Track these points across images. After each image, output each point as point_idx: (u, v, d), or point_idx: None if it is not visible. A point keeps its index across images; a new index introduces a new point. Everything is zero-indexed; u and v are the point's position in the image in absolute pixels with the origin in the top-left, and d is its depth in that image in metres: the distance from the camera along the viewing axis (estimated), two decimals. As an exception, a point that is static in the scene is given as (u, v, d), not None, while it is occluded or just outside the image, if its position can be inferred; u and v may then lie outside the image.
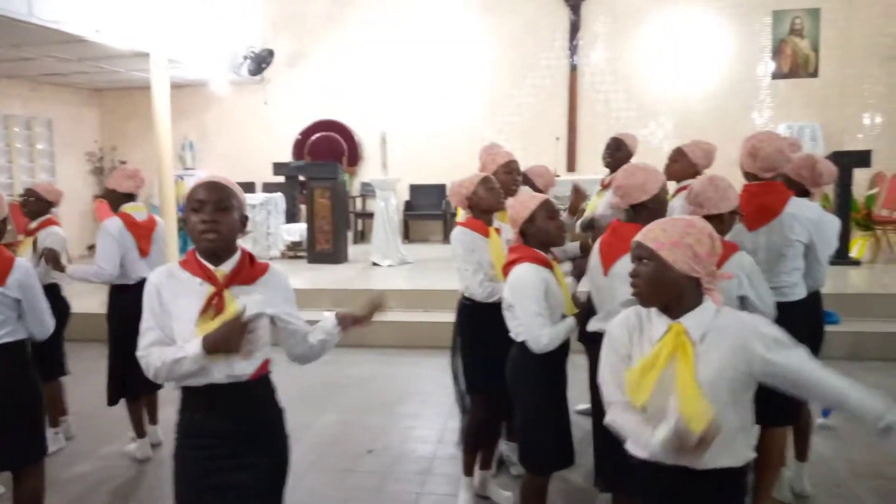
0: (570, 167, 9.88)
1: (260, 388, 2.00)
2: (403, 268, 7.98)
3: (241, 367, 1.91)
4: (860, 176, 8.38)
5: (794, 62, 9.33)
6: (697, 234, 1.73)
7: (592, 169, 9.58)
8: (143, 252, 3.75)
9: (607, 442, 2.11)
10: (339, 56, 10.37)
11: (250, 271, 1.95)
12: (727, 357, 1.70)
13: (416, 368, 5.46)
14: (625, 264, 2.41)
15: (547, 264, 2.62)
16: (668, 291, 1.74)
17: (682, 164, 3.71)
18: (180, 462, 1.97)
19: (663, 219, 1.84)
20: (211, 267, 1.91)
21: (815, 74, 9.30)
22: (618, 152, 4.06)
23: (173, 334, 1.90)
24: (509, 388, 2.70)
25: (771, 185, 2.86)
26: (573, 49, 9.81)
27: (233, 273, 1.92)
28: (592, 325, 2.57)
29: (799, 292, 2.88)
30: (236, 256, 1.95)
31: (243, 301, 1.88)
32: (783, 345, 1.71)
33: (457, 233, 3.14)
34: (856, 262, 7.32)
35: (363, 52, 10.29)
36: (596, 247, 2.70)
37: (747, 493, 1.91)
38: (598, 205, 3.94)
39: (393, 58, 10.23)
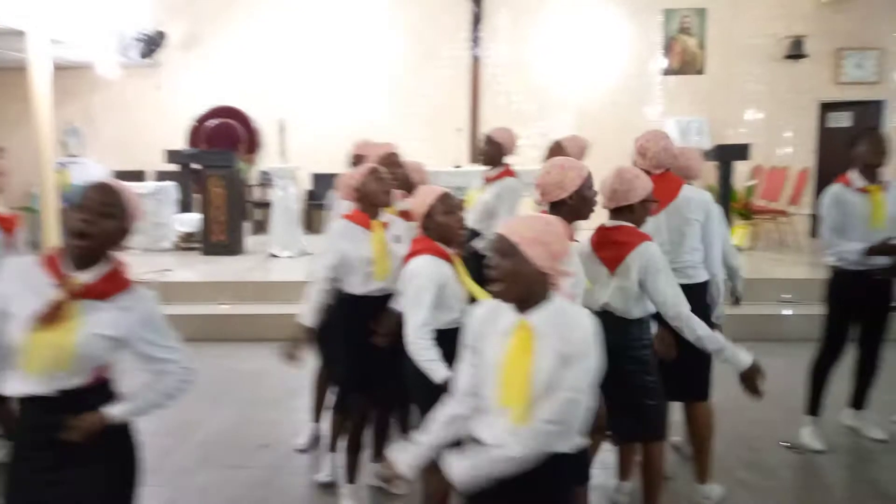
0: (474, 159, 9.98)
1: (93, 396, 1.88)
2: (304, 259, 7.83)
3: (63, 381, 1.81)
4: (740, 168, 8.92)
5: (684, 59, 9.78)
6: (555, 233, 1.81)
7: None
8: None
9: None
10: (237, 40, 10.03)
11: (108, 287, 1.84)
12: (556, 356, 1.77)
13: (311, 362, 5.36)
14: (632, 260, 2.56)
15: (447, 258, 2.61)
16: (526, 287, 1.79)
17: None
18: (6, 476, 1.88)
19: (525, 215, 1.92)
20: (70, 272, 1.81)
21: (702, 71, 9.78)
22: (488, 148, 4.20)
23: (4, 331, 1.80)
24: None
25: (664, 176, 3.08)
26: (475, 41, 9.90)
27: (91, 285, 1.82)
28: None
29: (701, 275, 3.09)
30: (103, 269, 1.85)
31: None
32: (573, 360, 1.75)
33: (336, 224, 3.08)
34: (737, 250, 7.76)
35: (262, 37, 10.00)
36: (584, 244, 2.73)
37: (587, 479, 2.00)
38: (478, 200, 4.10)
39: (293, 44, 9.99)
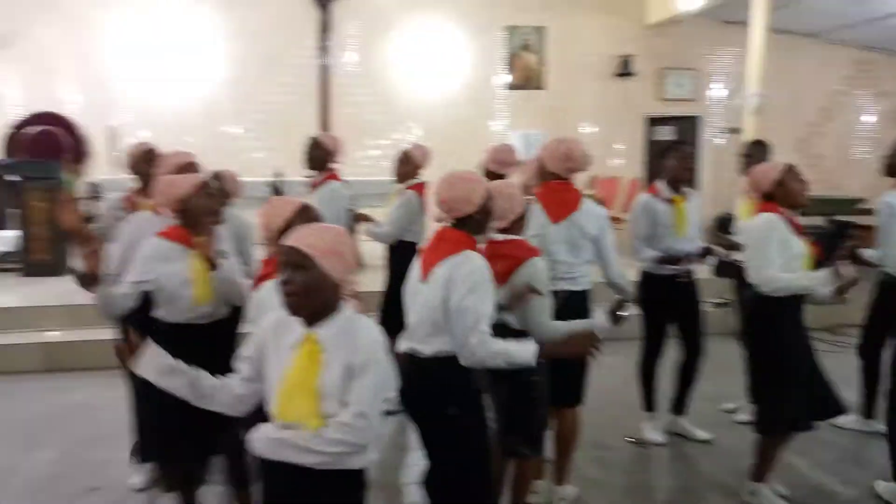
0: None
1: None
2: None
3: None
4: (579, 178, 9.43)
5: (526, 75, 10.20)
6: (348, 244, 1.81)
7: (352, 171, 9.61)
8: None
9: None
10: (60, 41, 9.18)
11: None
12: (343, 367, 1.75)
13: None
14: (443, 269, 2.33)
15: None
16: (322, 300, 1.77)
17: (409, 167, 4.09)
18: None
19: (315, 224, 1.91)
20: None
21: (542, 87, 10.25)
22: (315, 151, 4.22)
23: None
24: None
25: (568, 184, 3.13)
26: (324, 49, 9.74)
27: None
28: (406, 341, 2.46)
29: (586, 283, 3.18)
30: None
31: None
32: (360, 371, 1.75)
33: (148, 243, 2.69)
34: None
35: (88, 38, 9.23)
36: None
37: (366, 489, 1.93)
38: None
39: (123, 46, 9.31)
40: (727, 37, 10.33)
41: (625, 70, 10.18)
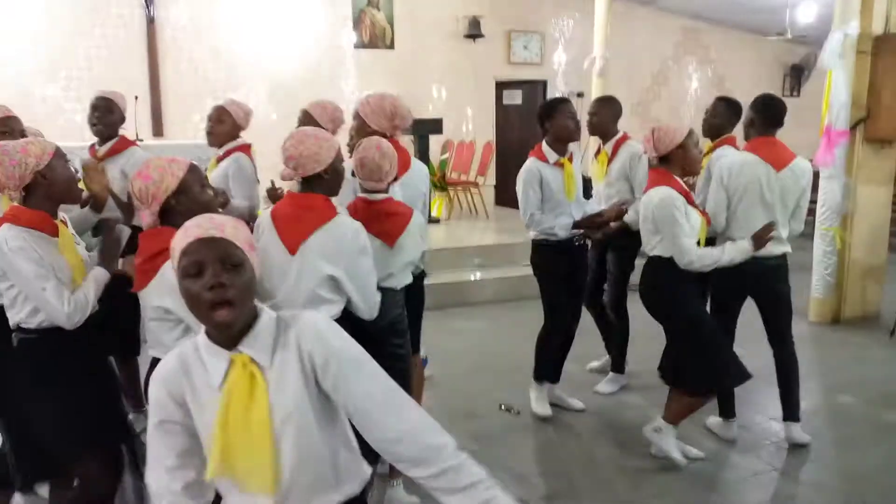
0: (157, 131, 8.93)
1: None
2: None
3: None
4: (434, 142, 9.31)
5: (374, 33, 9.83)
6: (248, 231, 1.40)
7: (183, 133, 8.83)
8: None
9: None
10: None
11: None
12: (301, 379, 1.36)
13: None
14: (320, 241, 2.25)
15: None
16: (249, 307, 1.36)
17: (228, 126, 3.54)
18: None
19: (213, 215, 1.41)
20: None
21: (392, 46, 9.94)
22: (109, 115, 3.52)
23: None
24: None
25: (398, 143, 2.89)
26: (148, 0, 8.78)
27: None
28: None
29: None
30: None
31: None
32: (353, 364, 1.38)
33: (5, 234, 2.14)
34: (436, 221, 8.10)
35: None
36: (265, 221, 2.37)
37: None
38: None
39: None
40: (570, 2, 10.56)
41: (474, 31, 10.11)
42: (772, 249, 3.26)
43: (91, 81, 8.53)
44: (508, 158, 10.83)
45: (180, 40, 9.00)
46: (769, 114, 3.38)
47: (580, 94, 9.81)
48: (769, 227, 3.13)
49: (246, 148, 3.55)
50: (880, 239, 5.53)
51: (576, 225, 3.56)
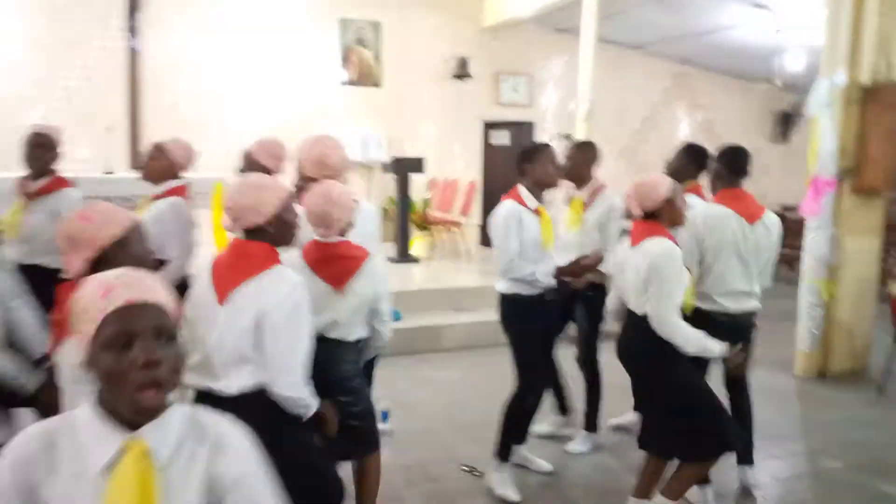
0: (135, 164, 8.75)
1: None
2: None
3: None
4: (418, 181, 9.18)
5: (361, 71, 9.76)
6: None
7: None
8: None
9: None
10: None
11: None
12: (201, 491, 1.16)
13: None
14: (250, 291, 2.04)
15: None
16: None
17: (163, 163, 3.34)
18: None
19: (141, 272, 1.19)
20: None
21: (379, 84, 9.86)
22: (43, 151, 3.33)
23: None
24: None
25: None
26: (133, 30, 8.68)
27: None
28: (193, 379, 2.08)
29: None
30: None
31: None
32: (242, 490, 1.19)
33: None
34: (415, 260, 7.90)
35: None
36: (205, 266, 2.19)
37: None
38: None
39: None
40: (559, 45, 10.55)
41: (462, 71, 10.05)
42: (745, 306, 3.15)
43: (73, 112, 8.41)
44: (495, 198, 10.66)
45: (162, 73, 8.88)
46: (735, 164, 3.32)
47: (567, 137, 9.71)
48: (742, 353, 2.88)
49: (181, 190, 3.31)
50: (867, 291, 5.35)
51: (559, 272, 3.26)
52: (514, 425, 3.38)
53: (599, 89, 10.88)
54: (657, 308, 2.68)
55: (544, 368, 3.52)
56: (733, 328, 3.10)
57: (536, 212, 3.25)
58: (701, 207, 3.33)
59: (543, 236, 3.26)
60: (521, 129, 10.88)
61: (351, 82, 9.72)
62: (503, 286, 3.32)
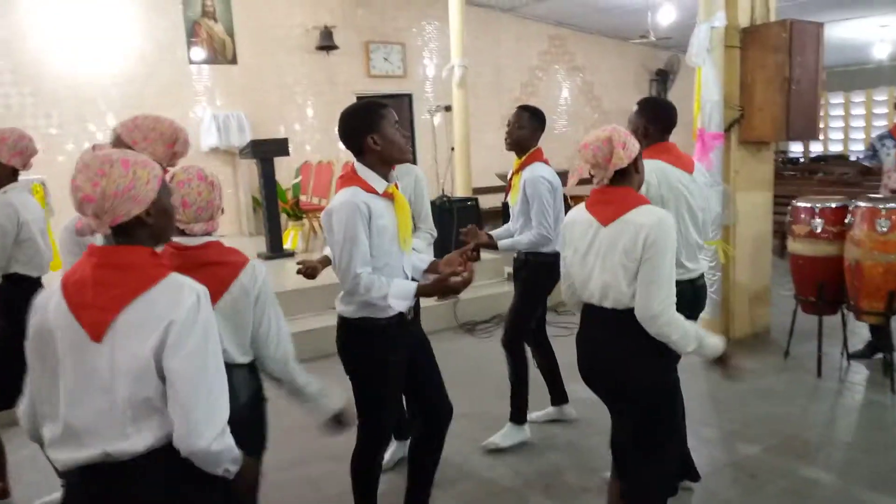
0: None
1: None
2: None
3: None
4: (289, 165, 8.35)
5: (212, 47, 8.74)
6: None
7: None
8: None
9: None
10: None
11: None
12: None
13: None
14: (139, 314, 1.49)
15: None
16: None
17: None
18: None
19: None
20: None
21: (234, 61, 8.88)
22: None
23: None
24: None
25: None
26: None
27: None
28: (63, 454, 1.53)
29: None
30: None
31: None
32: None
33: None
34: (291, 254, 7.12)
35: None
36: (52, 298, 1.55)
37: None
38: None
39: None
40: (431, 9, 9.93)
41: (327, 42, 9.22)
42: (701, 266, 2.86)
43: None
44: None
45: (-30, 57, 7.56)
46: (664, 117, 2.93)
47: (448, 108, 9.12)
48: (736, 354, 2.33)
49: None
50: (764, 249, 5.08)
51: (422, 292, 2.42)
52: (363, 487, 2.59)
53: (474, 55, 10.34)
54: (653, 297, 2.09)
55: (394, 414, 2.70)
56: (695, 297, 2.75)
57: (388, 195, 2.42)
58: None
59: (400, 231, 2.44)
60: (399, 102, 10.22)
61: (200, 59, 8.68)
62: (347, 308, 2.45)
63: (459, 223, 6.66)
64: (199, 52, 8.65)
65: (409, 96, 10.23)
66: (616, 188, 2.21)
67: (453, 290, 2.46)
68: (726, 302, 4.93)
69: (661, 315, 2.08)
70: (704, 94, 4.60)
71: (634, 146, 2.23)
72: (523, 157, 3.34)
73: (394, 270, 2.42)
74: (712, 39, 4.56)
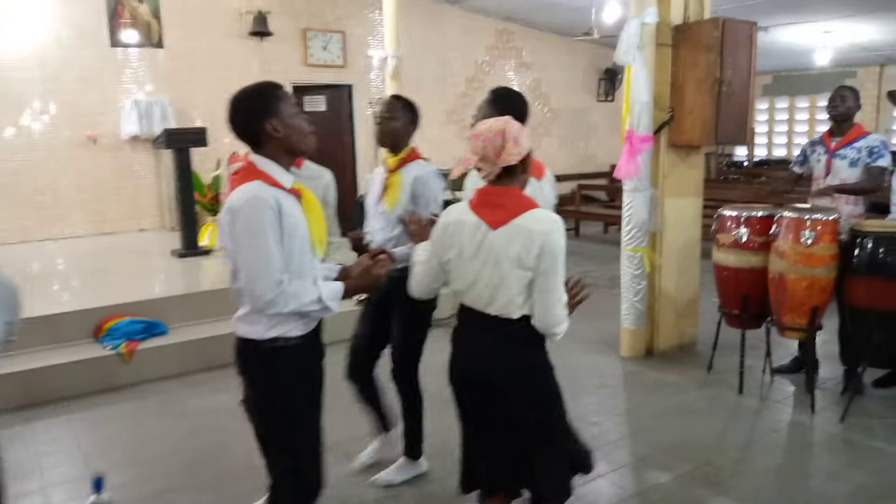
0: None
1: None
2: None
3: None
4: (208, 157, 7.91)
5: (137, 29, 8.22)
6: None
7: None
8: None
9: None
10: None
11: None
12: None
13: None
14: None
15: None
16: None
17: None
18: None
19: None
20: None
21: (161, 45, 8.38)
22: None
23: None
24: None
25: None
26: None
27: None
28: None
29: None
30: None
31: None
32: None
33: None
34: (207, 252, 6.71)
35: None
36: None
37: None
38: None
39: None
40: (371, -2, 9.56)
41: (261, 28, 8.78)
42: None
43: None
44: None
45: None
46: (519, 110, 2.62)
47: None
48: None
49: None
50: (692, 257, 4.89)
51: (350, 289, 2.15)
52: None
53: (420, 47, 10.05)
54: (554, 306, 2.04)
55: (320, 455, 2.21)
56: None
57: (294, 193, 2.07)
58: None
59: (312, 231, 2.09)
60: (339, 92, 9.83)
61: (124, 43, 8.16)
62: (254, 328, 2.04)
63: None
64: (121, 35, 8.13)
65: (350, 87, 9.85)
66: (504, 189, 2.06)
67: (377, 277, 2.21)
68: (651, 312, 4.72)
69: (563, 322, 2.06)
70: (633, 94, 4.36)
71: (526, 143, 2.04)
72: (400, 154, 2.98)
73: (307, 275, 2.07)
74: (643, 36, 4.33)
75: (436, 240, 2.18)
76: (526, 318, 2.05)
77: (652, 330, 4.75)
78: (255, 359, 2.07)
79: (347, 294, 2.13)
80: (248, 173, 2.02)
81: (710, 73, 4.18)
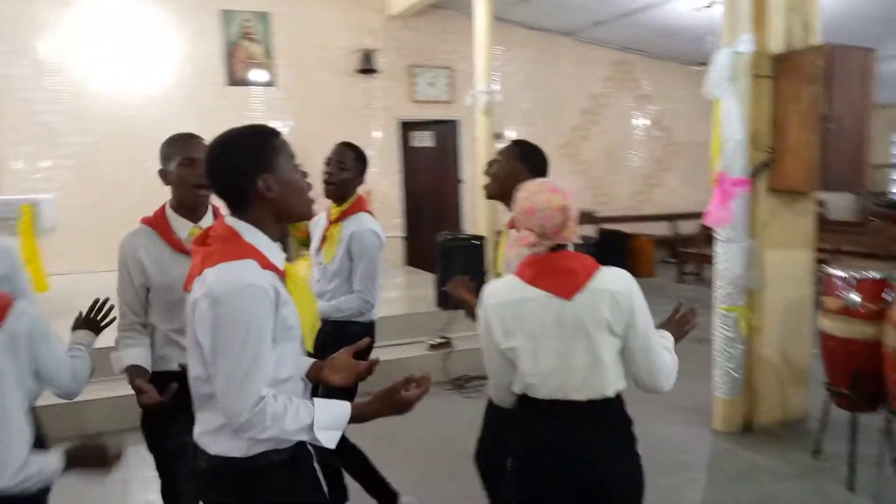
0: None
1: None
2: None
3: None
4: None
5: (251, 68, 8.59)
6: None
7: (27, 184, 7.53)
8: None
9: None
10: None
11: None
12: None
13: None
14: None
15: None
16: None
17: None
18: None
19: None
20: None
21: (273, 83, 8.70)
22: None
23: None
24: None
25: None
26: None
27: None
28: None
29: None
30: None
31: None
32: None
33: None
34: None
35: None
36: None
37: None
38: None
39: None
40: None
41: (367, 65, 8.90)
42: None
43: None
44: (421, 206, 9.58)
45: (16, 77, 7.71)
46: (541, 165, 2.43)
47: (498, 136, 8.58)
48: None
49: None
50: (802, 319, 4.20)
51: (359, 417, 1.60)
52: None
53: (531, 81, 9.81)
54: (661, 367, 1.86)
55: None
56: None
57: (282, 273, 1.62)
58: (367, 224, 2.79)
59: (304, 323, 1.64)
60: (447, 128, 9.76)
61: (239, 81, 8.55)
62: (233, 444, 1.55)
63: (464, 265, 6.09)
64: (236, 73, 8.52)
65: (456, 123, 9.74)
66: (561, 253, 1.85)
67: (405, 406, 1.61)
68: (749, 381, 4.09)
69: (674, 368, 1.89)
70: (725, 131, 3.84)
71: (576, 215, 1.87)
72: (344, 206, 2.77)
73: (296, 387, 1.64)
74: (737, 67, 3.81)
75: (490, 329, 1.85)
76: (618, 394, 1.84)
77: (750, 400, 4.12)
78: (236, 483, 1.56)
79: (356, 421, 1.58)
80: (232, 246, 1.54)
81: (814, 108, 3.58)
